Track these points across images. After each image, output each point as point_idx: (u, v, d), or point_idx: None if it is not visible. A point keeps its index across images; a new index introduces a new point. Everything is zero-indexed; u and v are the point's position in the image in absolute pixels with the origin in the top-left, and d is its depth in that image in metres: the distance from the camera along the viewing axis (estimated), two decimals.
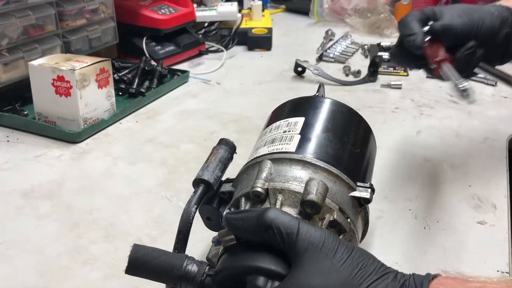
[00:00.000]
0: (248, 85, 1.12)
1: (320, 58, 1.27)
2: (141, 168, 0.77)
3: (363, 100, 1.04)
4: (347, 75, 1.19)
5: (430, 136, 0.88)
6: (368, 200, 0.46)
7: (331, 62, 1.28)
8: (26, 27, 0.92)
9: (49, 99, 0.84)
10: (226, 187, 0.52)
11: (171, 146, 0.84)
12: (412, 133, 0.90)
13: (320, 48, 1.37)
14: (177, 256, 0.43)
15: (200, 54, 1.31)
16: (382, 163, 0.78)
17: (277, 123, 0.55)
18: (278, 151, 0.49)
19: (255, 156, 0.51)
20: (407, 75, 1.18)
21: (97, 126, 0.88)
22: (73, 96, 0.83)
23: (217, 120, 0.94)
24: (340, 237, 0.44)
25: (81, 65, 0.84)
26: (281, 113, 0.58)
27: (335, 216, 0.43)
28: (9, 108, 0.93)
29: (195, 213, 0.47)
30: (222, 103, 1.02)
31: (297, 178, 0.45)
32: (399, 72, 1.19)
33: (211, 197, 0.51)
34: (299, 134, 0.51)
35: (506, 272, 0.56)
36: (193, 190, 0.50)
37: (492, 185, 0.73)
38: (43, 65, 0.84)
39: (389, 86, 1.10)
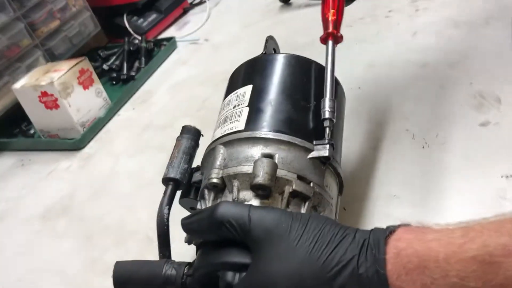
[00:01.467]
0: (236, 32, 1.07)
1: None
2: (142, 160, 0.78)
3: (353, 12, 0.96)
4: None
5: (427, 35, 0.81)
6: (327, 158, 0.43)
7: None
8: (1, 50, 0.93)
9: (43, 115, 0.86)
10: (197, 176, 0.51)
11: (167, 127, 0.84)
12: (407, 37, 0.83)
13: None
14: (156, 264, 0.44)
15: (185, 11, 1.26)
16: (376, 85, 0.73)
17: (228, 97, 0.53)
18: (228, 131, 0.47)
19: (212, 141, 0.49)
20: None
21: (96, 126, 0.89)
22: (62, 106, 0.84)
23: (209, 83, 0.92)
24: (306, 204, 0.43)
25: (59, 74, 0.84)
26: (233, 82, 0.55)
27: (294, 187, 0.42)
28: (18, 130, 0.96)
29: (168, 214, 0.48)
30: (212, 62, 0.99)
31: (248, 158, 0.44)
32: None
33: (186, 189, 0.51)
34: (247, 106, 0.48)
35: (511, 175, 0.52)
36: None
37: (496, 74, 0.67)
38: (25, 86, 0.85)
39: None
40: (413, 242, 0.33)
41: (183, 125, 0.55)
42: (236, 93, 0.51)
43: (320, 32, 0.87)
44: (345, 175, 0.48)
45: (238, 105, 0.49)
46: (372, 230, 0.36)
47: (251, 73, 0.52)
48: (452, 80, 0.69)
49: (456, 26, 0.80)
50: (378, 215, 0.54)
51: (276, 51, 0.60)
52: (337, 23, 0.53)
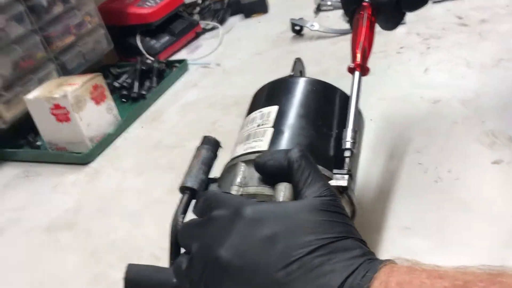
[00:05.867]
0: (247, 59, 1.09)
1: (318, 9, 1.22)
2: (149, 178, 0.78)
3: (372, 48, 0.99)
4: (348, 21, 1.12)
5: (439, 72, 0.83)
6: (345, 188, 0.44)
7: (330, 10, 1.22)
8: (15, 61, 0.93)
9: (53, 128, 0.86)
10: (213, 188, 0.51)
11: (176, 147, 0.84)
12: (419, 72, 0.84)
13: None
14: (166, 271, 0.43)
15: (197, 35, 1.28)
16: (387, 118, 0.74)
17: (253, 114, 0.53)
18: (251, 150, 0.48)
19: (232, 157, 0.50)
20: None
21: (105, 142, 0.89)
22: (73, 120, 0.84)
23: (219, 106, 0.93)
24: None
25: (73, 88, 0.84)
26: (257, 100, 0.56)
27: None
28: (24, 141, 0.96)
29: (182, 222, 0.48)
30: (223, 86, 1.00)
31: None
32: None
33: None
34: (272, 127, 0.49)
35: None
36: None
37: (508, 114, 0.68)
38: (38, 97, 0.85)
39: None
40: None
41: (204, 135, 0.55)
42: (261, 111, 0.51)
43: (333, 63, 0.89)
44: (359, 204, 0.48)
45: (263, 125, 0.49)
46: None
47: (277, 93, 0.53)
48: (464, 117, 0.70)
49: (468, 66, 0.82)
50: (390, 245, 0.53)
51: (302, 73, 0.61)
52: (366, 55, 0.54)
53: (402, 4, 0.58)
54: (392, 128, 0.72)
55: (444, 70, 0.83)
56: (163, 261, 0.58)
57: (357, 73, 0.52)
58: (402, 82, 0.83)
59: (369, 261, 0.33)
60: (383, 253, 0.52)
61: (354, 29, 0.58)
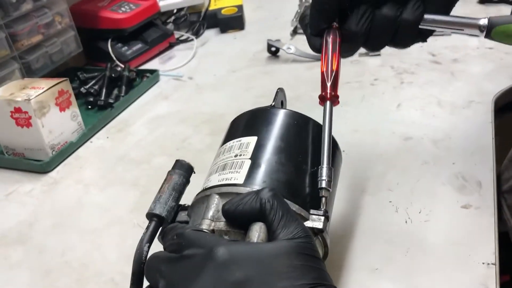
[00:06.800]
0: (221, 76, 1.07)
1: (294, 32, 1.22)
2: (112, 194, 0.74)
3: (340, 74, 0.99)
4: None
5: (411, 109, 0.84)
6: (320, 230, 0.42)
7: None
8: None
9: (12, 132, 0.81)
10: (183, 217, 0.49)
11: (143, 162, 0.81)
12: (392, 107, 0.85)
13: (294, 20, 1.31)
14: None
15: (171, 46, 1.26)
16: (360, 151, 0.74)
17: (231, 142, 0.51)
18: (226, 182, 0.46)
19: (206, 187, 0.48)
20: None
21: (66, 151, 0.85)
22: (35, 126, 0.80)
23: (190, 123, 0.90)
24: None
25: (37, 92, 0.80)
26: (236, 128, 0.54)
27: None
28: None
29: (147, 251, 0.45)
30: (195, 102, 0.98)
31: None
32: None
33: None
34: (249, 159, 0.47)
35: (492, 264, 0.53)
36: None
37: (477, 158, 0.69)
38: None
39: (367, 54, 1.05)
40: None
41: (177, 159, 0.52)
42: (239, 141, 0.50)
43: (307, 89, 0.87)
44: (330, 240, 0.47)
45: (240, 155, 0.48)
46: None
47: (258, 124, 0.51)
48: (435, 157, 0.70)
49: (439, 105, 0.83)
50: (358, 286, 0.53)
51: (283, 104, 0.60)
52: (336, 83, 0.52)
53: (367, 45, 0.56)
54: (364, 161, 0.72)
55: (416, 107, 0.84)
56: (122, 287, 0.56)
57: (328, 103, 0.50)
58: (375, 115, 0.83)
59: None
60: None
61: (323, 53, 0.54)
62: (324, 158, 0.47)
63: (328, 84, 0.52)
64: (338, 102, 0.52)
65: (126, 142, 0.87)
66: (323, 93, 0.51)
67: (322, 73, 0.53)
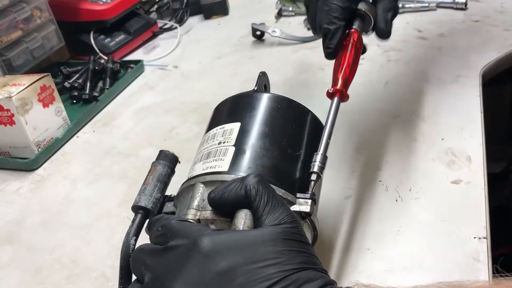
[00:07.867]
0: (206, 63, 1.06)
1: (279, 14, 1.20)
2: (100, 188, 0.73)
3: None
4: (309, 29, 1.11)
5: (398, 86, 0.83)
6: (308, 214, 0.42)
7: (291, 16, 1.20)
8: None
9: None
10: (169, 208, 0.49)
11: (130, 154, 0.80)
12: (380, 85, 0.84)
13: (278, 2, 1.29)
14: None
15: (155, 35, 1.24)
16: (348, 131, 0.73)
17: (214, 130, 0.51)
18: (211, 170, 0.45)
19: (190, 176, 0.47)
20: None
21: (52, 147, 0.84)
22: (18, 123, 0.78)
23: (176, 112, 0.89)
24: None
25: (18, 89, 0.79)
26: (219, 115, 0.54)
27: None
28: None
29: (134, 245, 0.45)
30: (181, 90, 0.97)
31: None
32: None
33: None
34: (233, 146, 0.47)
35: (484, 237, 0.52)
36: None
37: (466, 133, 0.68)
38: None
39: None
40: None
41: (160, 149, 0.52)
42: (223, 128, 0.49)
43: (294, 72, 0.86)
44: (319, 223, 0.47)
45: (224, 142, 0.47)
46: None
47: (240, 109, 0.50)
48: (424, 134, 0.70)
49: (427, 80, 0.82)
50: (350, 267, 0.52)
51: (267, 88, 0.59)
52: (348, 82, 0.53)
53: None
54: (353, 142, 0.71)
55: (404, 83, 0.83)
56: (113, 282, 0.55)
57: (336, 99, 0.51)
58: (362, 96, 0.82)
59: None
60: (344, 278, 0.51)
61: (339, 54, 0.57)
62: (321, 146, 0.47)
63: (340, 81, 0.53)
64: (347, 99, 0.53)
65: (112, 135, 0.86)
66: (332, 89, 0.52)
67: (335, 69, 0.55)
